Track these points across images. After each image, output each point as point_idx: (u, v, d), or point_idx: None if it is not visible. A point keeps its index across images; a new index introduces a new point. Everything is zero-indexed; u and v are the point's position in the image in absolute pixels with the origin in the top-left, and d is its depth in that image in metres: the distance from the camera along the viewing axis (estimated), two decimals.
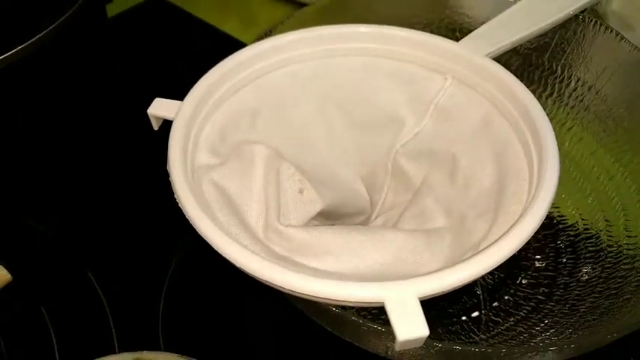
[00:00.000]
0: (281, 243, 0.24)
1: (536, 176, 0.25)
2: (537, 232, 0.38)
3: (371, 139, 0.33)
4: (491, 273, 0.37)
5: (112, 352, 0.31)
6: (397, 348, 0.19)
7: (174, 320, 0.34)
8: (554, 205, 0.39)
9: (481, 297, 0.36)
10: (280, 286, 0.20)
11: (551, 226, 0.38)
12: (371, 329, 0.21)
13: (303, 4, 0.59)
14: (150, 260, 0.37)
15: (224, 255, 0.21)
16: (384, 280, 0.20)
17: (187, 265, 0.36)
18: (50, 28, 0.35)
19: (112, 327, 0.34)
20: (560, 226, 0.38)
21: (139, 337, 0.33)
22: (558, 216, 0.38)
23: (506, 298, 0.35)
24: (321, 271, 0.22)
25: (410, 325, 0.18)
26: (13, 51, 0.34)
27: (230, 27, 0.59)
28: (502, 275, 0.37)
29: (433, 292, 0.20)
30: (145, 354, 0.21)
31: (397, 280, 0.19)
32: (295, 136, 0.31)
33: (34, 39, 0.34)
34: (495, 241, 0.21)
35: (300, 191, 0.27)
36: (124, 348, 0.32)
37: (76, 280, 0.36)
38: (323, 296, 0.19)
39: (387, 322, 0.19)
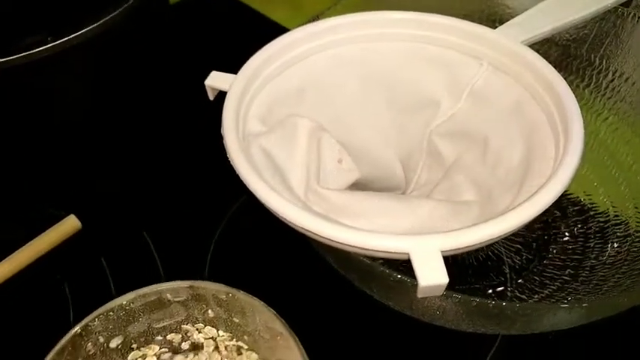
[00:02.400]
0: (319, 203, 0.27)
1: (561, 156, 0.27)
2: (568, 217, 0.39)
3: (409, 120, 0.35)
4: (519, 253, 0.38)
5: None
6: (419, 294, 0.21)
7: (219, 276, 0.37)
8: (586, 193, 0.40)
9: (508, 275, 0.37)
10: (318, 235, 0.22)
11: (582, 212, 0.39)
12: (397, 280, 0.23)
13: None
14: (199, 223, 0.40)
15: (269, 206, 0.23)
16: None
17: (233, 229, 0.40)
18: (117, 12, 0.38)
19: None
20: (592, 212, 0.39)
21: None
22: (590, 203, 0.40)
23: (532, 277, 0.37)
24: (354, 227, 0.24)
25: (431, 273, 0.21)
26: (80, 32, 0.37)
27: (278, 15, 0.62)
28: (530, 256, 0.38)
29: (454, 247, 0.22)
30: (198, 282, 0.24)
31: (422, 235, 0.22)
32: (337, 115, 0.34)
33: (101, 21, 0.38)
34: (514, 207, 0.23)
35: (339, 161, 0.30)
36: None
37: (133, 238, 0.39)
38: (355, 245, 0.22)
39: (412, 276, 0.21)
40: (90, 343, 0.24)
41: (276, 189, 0.25)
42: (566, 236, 0.39)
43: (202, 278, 0.37)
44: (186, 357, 0.26)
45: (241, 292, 0.23)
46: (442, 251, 0.21)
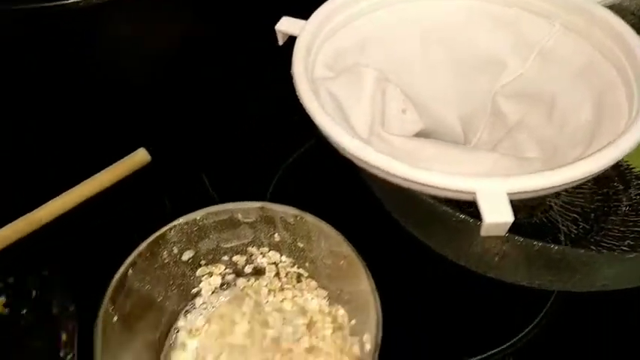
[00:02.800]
0: (382, 148, 0.27)
1: (635, 113, 0.26)
2: (630, 190, 0.38)
3: (471, 80, 0.35)
4: (576, 222, 0.38)
5: None
6: (482, 232, 0.21)
7: None
8: None
9: (563, 243, 0.37)
10: (389, 172, 0.23)
11: None
12: (460, 220, 0.23)
13: None
14: (258, 169, 0.41)
15: (339, 144, 0.24)
16: None
17: (290, 177, 0.41)
18: None
19: None
20: None
21: None
22: None
23: (589, 246, 0.36)
24: None
25: (497, 211, 0.21)
26: None
27: None
28: (587, 226, 0.38)
29: (520, 190, 0.22)
30: (269, 204, 0.25)
31: (489, 177, 0.22)
32: (398, 70, 0.34)
33: None
34: (583, 158, 0.23)
35: (403, 111, 0.30)
36: None
37: (191, 179, 0.41)
38: (425, 183, 0.22)
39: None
40: (165, 252, 0.25)
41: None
42: (627, 208, 0.38)
43: None
44: (248, 280, 0.28)
45: (310, 215, 0.24)
46: (508, 193, 0.22)
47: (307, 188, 0.40)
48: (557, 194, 0.40)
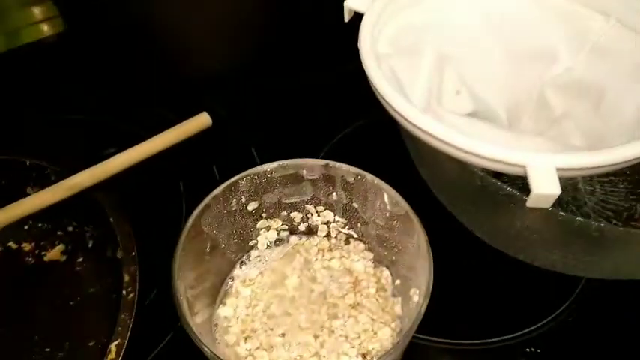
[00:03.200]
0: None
1: None
2: None
3: (521, 68, 0.36)
4: (609, 220, 0.39)
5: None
6: (529, 203, 0.23)
7: None
8: None
9: None
10: (444, 141, 0.24)
11: None
12: (506, 193, 0.25)
13: None
14: (308, 143, 0.44)
15: (399, 112, 0.26)
16: None
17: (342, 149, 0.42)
18: None
19: None
20: None
21: None
22: None
23: None
24: None
25: (545, 183, 0.22)
26: None
27: None
28: (620, 225, 0.39)
29: (570, 167, 0.23)
30: (333, 162, 0.26)
31: (539, 152, 0.23)
32: (455, 52, 0.35)
33: None
34: (629, 143, 0.24)
35: (457, 92, 0.32)
36: None
37: (241, 153, 0.44)
38: (479, 154, 0.24)
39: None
40: (234, 200, 0.27)
41: None
42: None
43: None
44: (300, 239, 0.30)
45: (370, 174, 0.26)
46: (557, 168, 0.23)
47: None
48: (592, 191, 0.41)
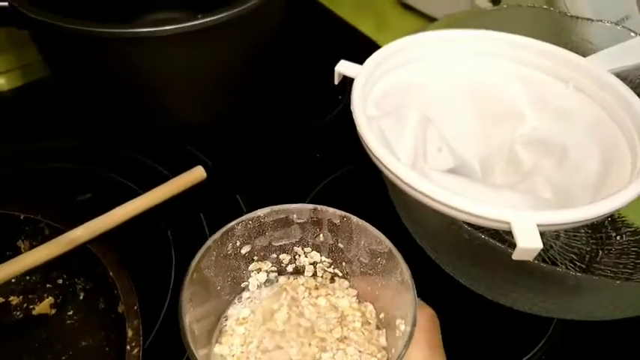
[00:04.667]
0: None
1: (638, 169, 0.31)
2: (622, 235, 0.43)
3: (491, 127, 0.40)
4: (572, 262, 0.42)
5: None
6: (515, 256, 0.26)
7: None
8: None
9: None
10: (434, 199, 0.27)
11: (636, 233, 0.43)
12: (492, 246, 0.27)
13: (433, 18, 0.67)
14: (292, 192, 0.46)
15: (390, 169, 0.28)
16: None
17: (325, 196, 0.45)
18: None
19: None
20: None
21: None
22: None
23: None
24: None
25: (528, 239, 0.25)
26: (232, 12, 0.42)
27: (364, 27, 0.68)
28: (583, 266, 0.42)
29: (550, 223, 0.26)
30: (320, 206, 0.28)
31: (522, 210, 0.26)
32: (434, 113, 0.39)
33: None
34: (604, 198, 0.27)
35: (439, 149, 0.35)
36: None
37: (227, 199, 0.45)
38: (468, 211, 0.26)
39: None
40: (230, 244, 0.29)
41: None
42: (617, 251, 0.43)
43: None
44: (288, 278, 0.31)
45: (354, 216, 0.28)
46: (538, 225, 0.26)
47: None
48: (557, 236, 0.44)
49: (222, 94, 0.50)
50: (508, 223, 0.26)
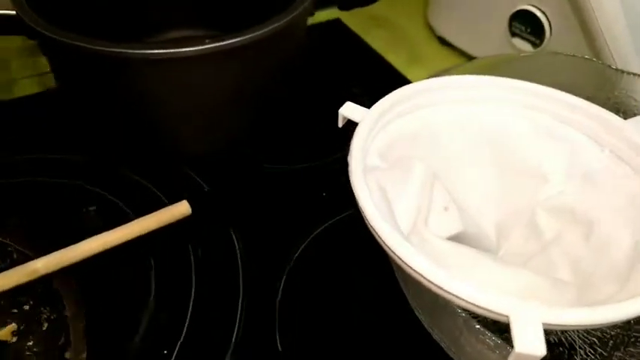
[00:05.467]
0: (420, 245, 0.28)
1: None
2: None
3: (513, 187, 0.36)
4: (593, 347, 0.37)
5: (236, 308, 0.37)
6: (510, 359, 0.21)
7: (293, 295, 0.38)
8: None
9: None
10: (428, 279, 0.23)
11: None
12: (489, 339, 0.23)
13: (470, 56, 0.63)
14: (287, 234, 0.42)
15: (384, 242, 0.24)
16: None
17: (316, 249, 0.41)
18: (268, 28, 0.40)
19: (241, 283, 0.39)
20: None
21: (260, 285, 0.38)
22: None
23: None
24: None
25: (530, 342, 0.21)
26: (241, 38, 0.39)
27: (395, 60, 0.64)
28: (605, 353, 0.37)
29: (557, 323, 0.22)
30: None
31: (526, 301, 0.22)
32: (444, 165, 0.35)
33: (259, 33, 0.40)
34: (629, 298, 0.23)
35: (446, 209, 0.31)
36: (248, 294, 0.38)
37: (220, 233, 0.42)
38: (462, 297, 0.22)
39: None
40: None
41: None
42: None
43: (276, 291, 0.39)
44: None
45: None
46: (544, 323, 0.22)
47: (334, 259, 0.40)
48: None
49: (236, 121, 0.47)
50: (507, 316, 0.22)
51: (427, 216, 0.29)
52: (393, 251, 0.24)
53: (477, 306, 0.22)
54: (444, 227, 0.31)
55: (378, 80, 0.61)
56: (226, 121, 0.46)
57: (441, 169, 0.34)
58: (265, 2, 0.43)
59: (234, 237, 0.42)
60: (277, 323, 0.37)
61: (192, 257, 0.41)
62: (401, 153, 0.32)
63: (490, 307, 0.22)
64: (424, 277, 0.23)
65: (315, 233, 0.43)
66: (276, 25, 0.38)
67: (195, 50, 0.36)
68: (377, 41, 0.67)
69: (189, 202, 0.39)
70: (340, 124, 0.32)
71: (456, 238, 0.34)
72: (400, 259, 0.24)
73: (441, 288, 0.23)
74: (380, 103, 0.32)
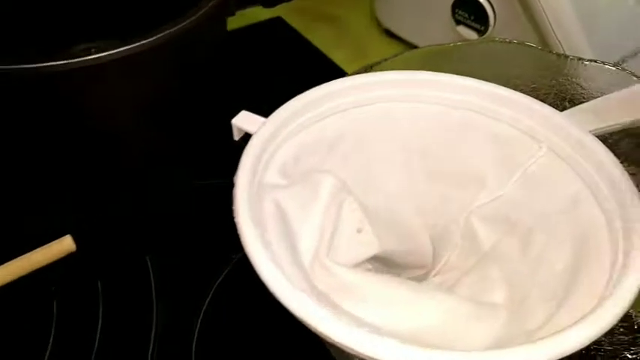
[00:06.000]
0: (324, 279, 0.24)
1: (619, 270, 0.23)
2: (614, 334, 0.34)
3: (447, 193, 0.32)
4: None
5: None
6: None
7: (213, 326, 0.34)
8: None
9: None
10: (308, 324, 0.19)
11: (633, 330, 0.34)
12: None
13: (415, 46, 0.59)
14: (204, 263, 0.38)
15: (259, 272, 0.20)
16: (419, 343, 0.18)
17: (238, 275, 0.37)
18: (175, 28, 0.37)
19: (155, 313, 0.35)
20: None
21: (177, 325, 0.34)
22: None
23: None
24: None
25: None
26: (136, 44, 0.35)
27: (339, 56, 0.60)
28: None
29: None
30: None
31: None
32: (370, 174, 0.31)
33: (157, 36, 0.36)
34: (556, 333, 0.19)
35: (359, 230, 0.27)
36: (163, 331, 0.33)
37: (133, 263, 0.38)
38: (350, 347, 0.18)
39: None
40: None
41: (279, 254, 0.23)
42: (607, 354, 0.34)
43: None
44: None
45: None
46: None
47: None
48: None
49: (153, 135, 0.43)
50: None
51: (331, 241, 0.25)
52: (273, 292, 0.20)
53: (371, 357, 0.18)
54: (356, 252, 0.27)
55: (319, 79, 0.57)
56: (141, 136, 0.42)
57: (359, 181, 0.30)
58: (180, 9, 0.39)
59: (149, 266, 0.38)
60: None
61: (99, 292, 0.36)
62: (309, 166, 0.28)
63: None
64: (310, 326, 0.19)
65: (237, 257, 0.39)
66: (168, 31, 0.34)
67: (79, 62, 0.32)
68: (321, 37, 0.63)
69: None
70: (236, 137, 0.28)
71: (385, 259, 0.30)
72: (279, 300, 0.20)
73: (316, 330, 0.19)
74: (280, 111, 0.28)
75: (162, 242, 0.39)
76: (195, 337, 0.34)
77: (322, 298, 0.23)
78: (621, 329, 0.34)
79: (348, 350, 0.18)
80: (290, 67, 0.59)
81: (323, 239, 0.25)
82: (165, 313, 0.35)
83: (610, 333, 0.34)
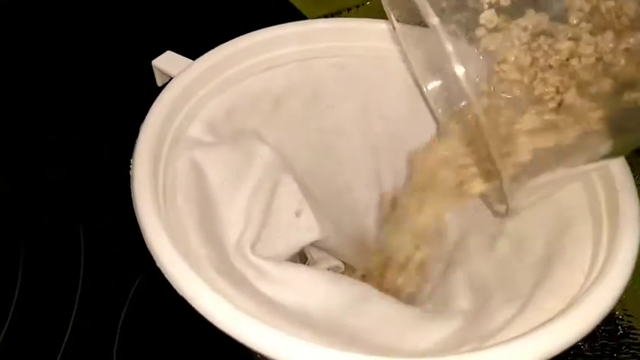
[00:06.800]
0: (247, 269, 0.19)
1: (599, 268, 0.19)
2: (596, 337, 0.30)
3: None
4: None
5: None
6: None
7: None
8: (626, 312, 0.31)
9: None
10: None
11: (612, 334, 0.30)
12: None
13: None
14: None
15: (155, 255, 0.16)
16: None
17: None
18: None
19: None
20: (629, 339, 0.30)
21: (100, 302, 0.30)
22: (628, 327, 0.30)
23: None
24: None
25: None
26: None
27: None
28: None
29: None
30: None
31: None
32: (318, 142, 0.26)
33: None
34: (514, 338, 0.15)
35: (297, 213, 0.22)
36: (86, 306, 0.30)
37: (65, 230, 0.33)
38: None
39: None
40: None
41: (187, 227, 0.18)
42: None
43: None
44: None
45: None
46: None
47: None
48: None
49: None
50: None
51: (260, 226, 0.21)
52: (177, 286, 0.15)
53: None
54: (295, 237, 0.22)
55: (273, 21, 0.49)
56: None
57: (307, 152, 0.25)
58: None
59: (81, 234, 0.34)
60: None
61: (20, 262, 0.32)
62: (244, 125, 0.23)
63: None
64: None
65: None
66: None
67: None
68: None
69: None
70: (159, 83, 0.23)
71: (328, 248, 0.25)
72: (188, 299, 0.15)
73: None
74: (215, 52, 0.23)
75: (96, 210, 0.35)
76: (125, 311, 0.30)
77: (238, 278, 0.19)
78: (604, 334, 0.31)
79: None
80: (249, 10, 0.51)
81: (251, 221, 0.20)
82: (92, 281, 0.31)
83: (591, 337, 0.30)
